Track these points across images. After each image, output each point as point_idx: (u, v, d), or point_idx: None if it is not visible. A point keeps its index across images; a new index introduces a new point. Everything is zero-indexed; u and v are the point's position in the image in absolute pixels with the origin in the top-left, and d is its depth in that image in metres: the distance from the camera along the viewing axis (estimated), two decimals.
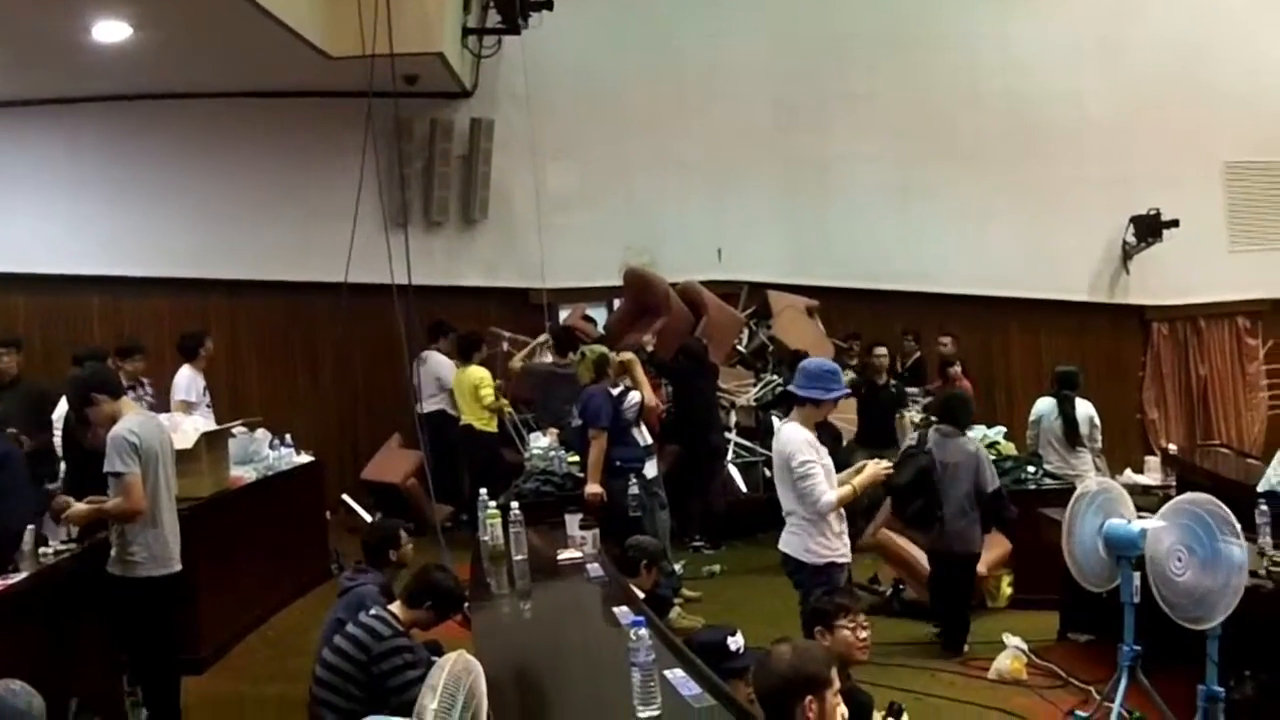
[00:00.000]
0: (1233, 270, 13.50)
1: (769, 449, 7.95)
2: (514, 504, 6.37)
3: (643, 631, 3.68)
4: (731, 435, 11.06)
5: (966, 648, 7.49)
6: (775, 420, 9.40)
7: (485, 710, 3.45)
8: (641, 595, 5.87)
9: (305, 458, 9.76)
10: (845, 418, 10.23)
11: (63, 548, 6.12)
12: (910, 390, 12.09)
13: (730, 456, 10.88)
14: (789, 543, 6.04)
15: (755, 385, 11.69)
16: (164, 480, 5.82)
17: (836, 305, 12.77)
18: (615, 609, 5.10)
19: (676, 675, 4.03)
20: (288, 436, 9.54)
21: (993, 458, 8.30)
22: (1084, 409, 9.42)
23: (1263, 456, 10.30)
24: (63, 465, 7.86)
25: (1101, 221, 13.28)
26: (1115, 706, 5.76)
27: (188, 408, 9.21)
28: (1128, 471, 10.24)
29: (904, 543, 8.58)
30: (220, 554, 7.59)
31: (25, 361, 8.82)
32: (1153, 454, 11.47)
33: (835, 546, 5.99)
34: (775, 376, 11.51)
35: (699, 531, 10.55)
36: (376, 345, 11.56)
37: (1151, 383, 13.72)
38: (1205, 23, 13.22)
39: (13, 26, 9.24)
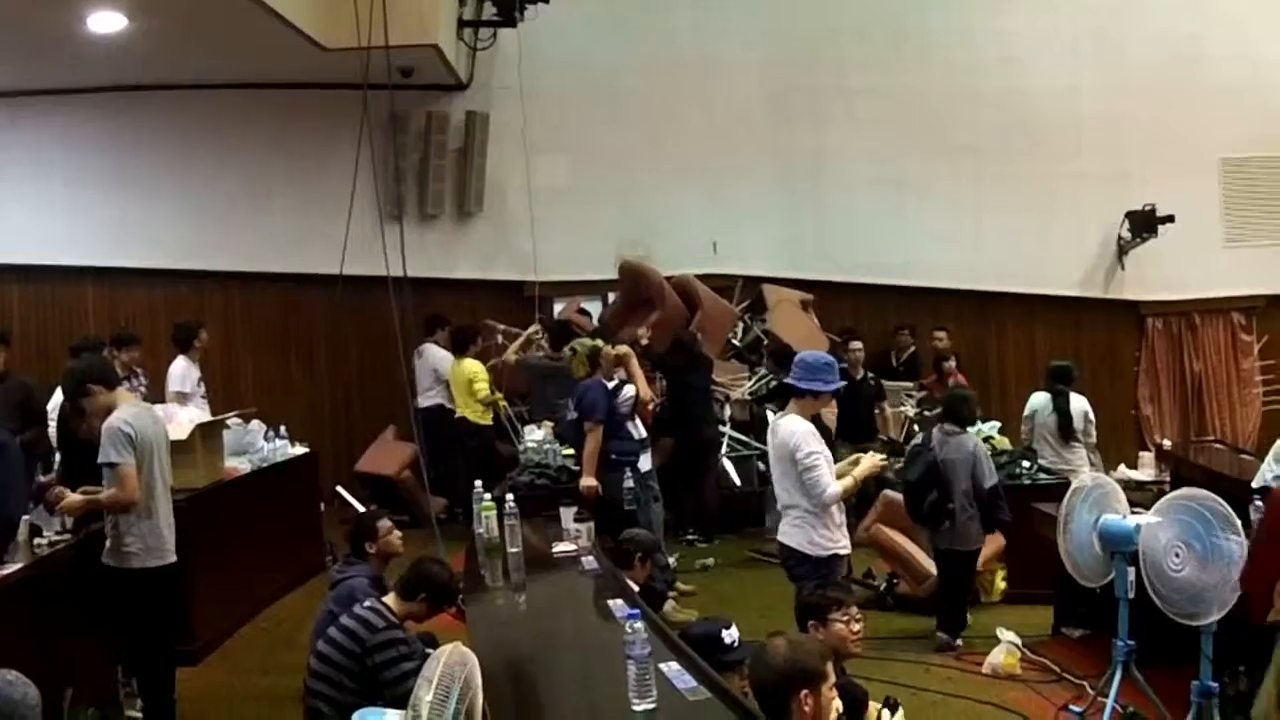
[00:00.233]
0: (1228, 266, 13.48)
1: (764, 443, 7.95)
2: (509, 497, 6.38)
3: (638, 624, 3.69)
4: (726, 429, 11.06)
5: (959, 642, 7.51)
6: (770, 414, 9.39)
7: (480, 702, 3.45)
8: (635, 588, 5.88)
9: (300, 449, 9.78)
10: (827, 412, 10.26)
11: (57, 539, 6.13)
12: (905, 385, 12.12)
13: (725, 450, 10.88)
14: (791, 535, 6.05)
15: (750, 379, 11.70)
16: (159, 471, 5.81)
17: (831, 299, 12.75)
18: (610, 602, 5.11)
19: (672, 668, 4.03)
20: (282, 428, 9.54)
21: (988, 452, 8.30)
22: (1078, 404, 9.44)
23: (1257, 452, 10.29)
24: (58, 456, 7.86)
25: (1097, 216, 13.26)
26: (1109, 701, 5.77)
27: (182, 399, 9.23)
28: (1122, 467, 10.22)
29: (898, 537, 8.59)
30: (215, 545, 7.59)
31: (19, 353, 8.83)
32: (1147, 449, 11.43)
33: (837, 538, 6.04)
34: (763, 371, 11.53)
35: (693, 525, 10.56)
36: (371, 337, 11.56)
37: (1146, 378, 13.71)
38: (1201, 18, 13.19)
39: (8, 17, 9.22)
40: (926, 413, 11.55)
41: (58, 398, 7.53)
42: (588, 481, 8.29)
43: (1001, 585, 8.55)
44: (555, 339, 11.00)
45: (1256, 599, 3.79)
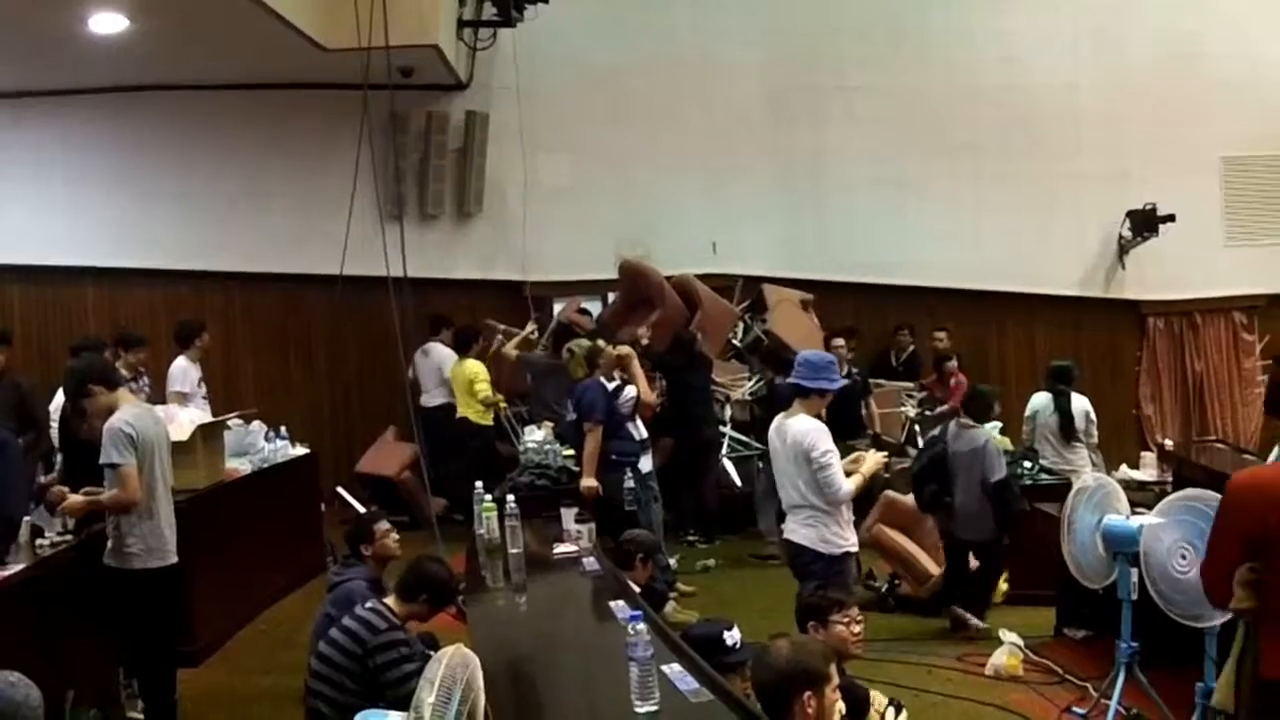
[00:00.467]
0: (1229, 265, 13.47)
1: (764, 443, 7.95)
2: (510, 497, 6.37)
3: (641, 626, 3.68)
4: (726, 429, 11.05)
5: (973, 621, 7.63)
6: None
7: (482, 704, 3.44)
8: (636, 589, 5.88)
9: (300, 450, 9.78)
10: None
11: (59, 540, 6.12)
12: (906, 385, 12.10)
13: (725, 450, 10.87)
14: (804, 535, 6.08)
15: (750, 379, 11.68)
16: (160, 472, 5.81)
17: (831, 299, 12.74)
18: (611, 603, 5.10)
19: (674, 670, 4.02)
20: (283, 429, 9.54)
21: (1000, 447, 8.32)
22: (1080, 404, 9.44)
23: (1259, 452, 10.31)
24: (59, 456, 7.85)
25: (1097, 216, 13.24)
26: (1113, 703, 5.78)
27: (183, 399, 9.22)
28: (1123, 467, 10.20)
29: (899, 538, 8.60)
30: (216, 546, 7.59)
31: (20, 353, 8.82)
32: (1148, 449, 11.43)
33: (847, 536, 6.14)
34: (758, 375, 11.51)
35: (693, 526, 10.55)
36: (371, 338, 11.55)
37: (1147, 378, 13.69)
38: (1202, 16, 13.17)
39: (9, 18, 9.21)
40: (928, 412, 11.55)
41: (59, 398, 7.52)
42: (588, 482, 8.28)
43: (1003, 586, 8.54)
44: (556, 340, 10.99)
45: (1216, 586, 3.83)
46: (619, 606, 4.91)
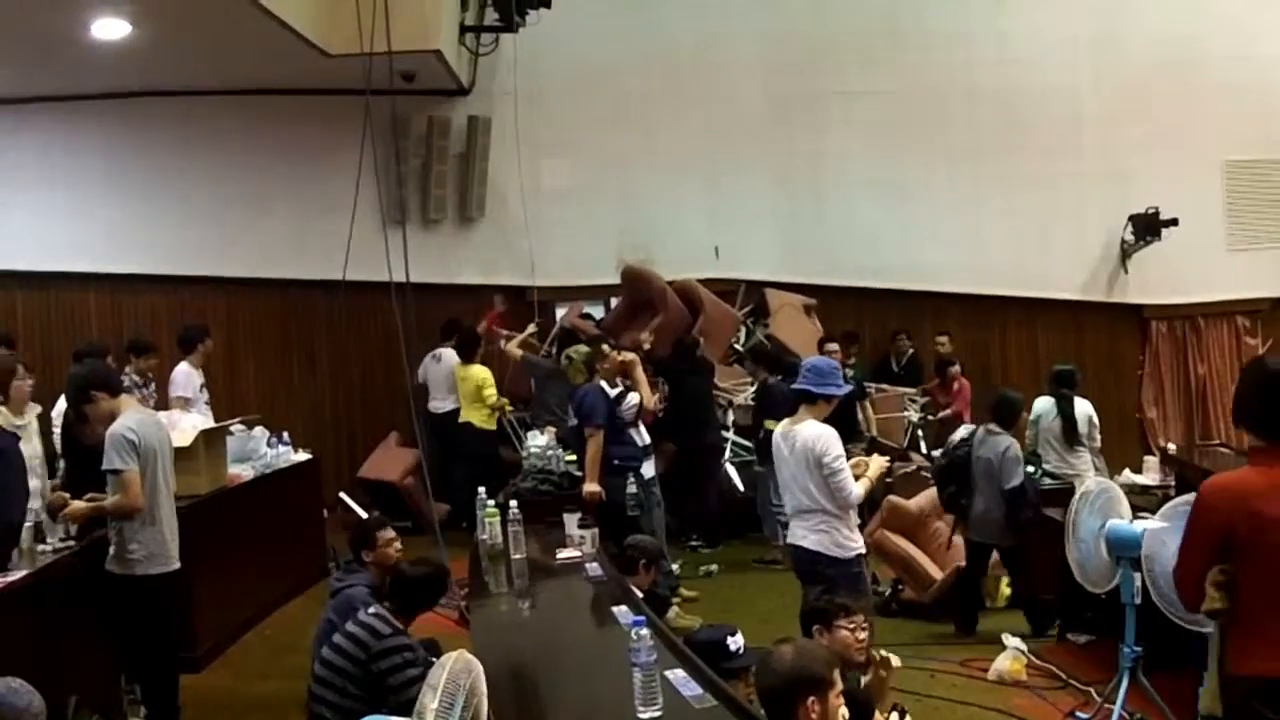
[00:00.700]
0: (1232, 269, 13.46)
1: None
2: (512, 503, 6.37)
3: (644, 631, 3.68)
4: (729, 434, 11.05)
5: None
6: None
7: (485, 710, 3.44)
8: (639, 594, 5.87)
9: (303, 455, 9.76)
10: None
11: (61, 545, 6.12)
12: (907, 390, 12.09)
13: (728, 455, 10.86)
14: (816, 540, 6.08)
15: (752, 384, 11.66)
16: (162, 478, 5.81)
17: (833, 303, 12.74)
18: (614, 608, 5.09)
19: (677, 675, 4.03)
20: (285, 434, 9.53)
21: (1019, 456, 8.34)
22: (1083, 408, 9.40)
23: None
24: (61, 463, 7.85)
25: (1099, 219, 13.25)
26: (1116, 708, 5.77)
27: (185, 404, 9.22)
28: (1126, 471, 10.18)
29: (902, 542, 8.60)
30: (218, 552, 7.58)
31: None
32: (1151, 453, 11.41)
33: (856, 539, 6.18)
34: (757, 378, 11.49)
35: (696, 530, 10.54)
36: (374, 343, 11.58)
37: (1150, 382, 13.69)
38: (1204, 19, 13.16)
39: (12, 24, 9.22)
40: (930, 417, 11.55)
41: (62, 404, 7.51)
42: (591, 487, 8.26)
43: (1006, 590, 8.54)
44: (560, 345, 10.98)
45: (1188, 589, 3.84)
46: (622, 612, 4.91)
